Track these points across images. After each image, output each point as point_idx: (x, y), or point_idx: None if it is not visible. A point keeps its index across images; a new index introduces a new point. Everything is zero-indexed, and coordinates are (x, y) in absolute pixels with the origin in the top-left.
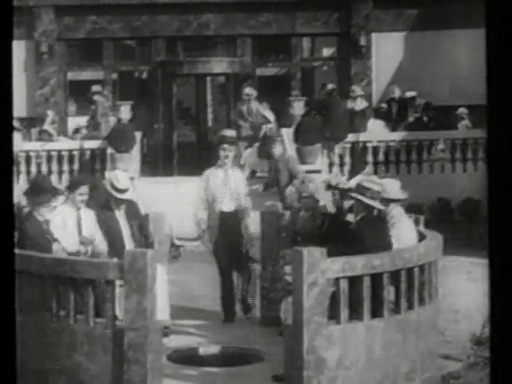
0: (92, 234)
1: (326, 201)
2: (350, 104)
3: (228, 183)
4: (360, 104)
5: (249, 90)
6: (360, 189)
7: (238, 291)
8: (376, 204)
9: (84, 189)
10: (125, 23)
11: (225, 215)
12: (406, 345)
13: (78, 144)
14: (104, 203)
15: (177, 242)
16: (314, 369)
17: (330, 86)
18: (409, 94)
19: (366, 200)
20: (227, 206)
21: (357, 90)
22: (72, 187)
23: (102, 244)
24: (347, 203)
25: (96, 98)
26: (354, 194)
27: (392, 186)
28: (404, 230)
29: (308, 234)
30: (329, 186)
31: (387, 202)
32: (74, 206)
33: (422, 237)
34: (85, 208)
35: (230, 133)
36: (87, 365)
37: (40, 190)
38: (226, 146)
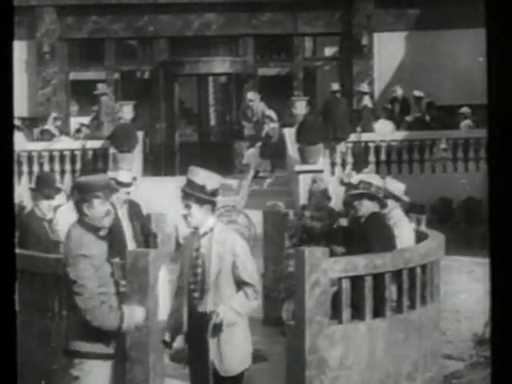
0: None
1: (337, 199)
2: (364, 102)
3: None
4: (370, 101)
5: (251, 96)
6: (363, 184)
7: None
8: (380, 195)
9: None
10: (127, 23)
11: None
12: (407, 344)
13: (80, 144)
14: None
15: (182, 242)
16: (316, 368)
17: (335, 86)
18: (416, 92)
19: (372, 192)
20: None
21: (365, 87)
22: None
23: None
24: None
25: (101, 97)
26: (360, 191)
27: (396, 185)
28: (404, 233)
29: (316, 234)
30: (341, 182)
31: (389, 196)
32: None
33: (423, 236)
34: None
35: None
36: None
37: (45, 185)
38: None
